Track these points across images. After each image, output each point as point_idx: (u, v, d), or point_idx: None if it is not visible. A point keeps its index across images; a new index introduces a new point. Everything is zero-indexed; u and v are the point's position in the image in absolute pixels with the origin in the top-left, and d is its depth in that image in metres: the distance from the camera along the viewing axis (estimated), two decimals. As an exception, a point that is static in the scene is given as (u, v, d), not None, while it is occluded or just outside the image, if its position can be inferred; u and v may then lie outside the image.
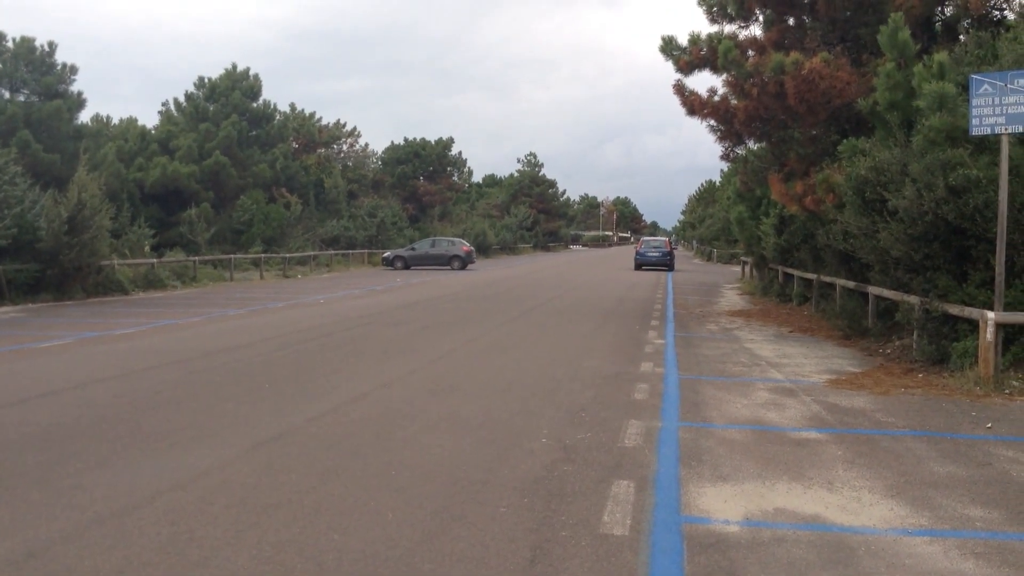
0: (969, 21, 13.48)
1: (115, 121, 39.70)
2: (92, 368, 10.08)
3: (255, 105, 41.69)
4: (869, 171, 11.51)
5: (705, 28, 21.81)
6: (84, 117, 32.02)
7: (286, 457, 6.07)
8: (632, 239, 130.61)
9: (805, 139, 15.60)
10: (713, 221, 56.89)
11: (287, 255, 35.74)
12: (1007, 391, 8.68)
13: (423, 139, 68.09)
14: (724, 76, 15.13)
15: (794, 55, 13.43)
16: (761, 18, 15.96)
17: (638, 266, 41.29)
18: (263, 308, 18.50)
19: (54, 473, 5.62)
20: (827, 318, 15.24)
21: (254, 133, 41.42)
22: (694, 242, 78.48)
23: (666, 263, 41.48)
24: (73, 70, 29.66)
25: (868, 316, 13.19)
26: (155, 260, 25.75)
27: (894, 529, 4.76)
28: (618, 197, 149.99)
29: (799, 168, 15.39)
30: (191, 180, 36.20)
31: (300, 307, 18.83)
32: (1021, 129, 9.02)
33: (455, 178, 71.60)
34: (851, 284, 14.35)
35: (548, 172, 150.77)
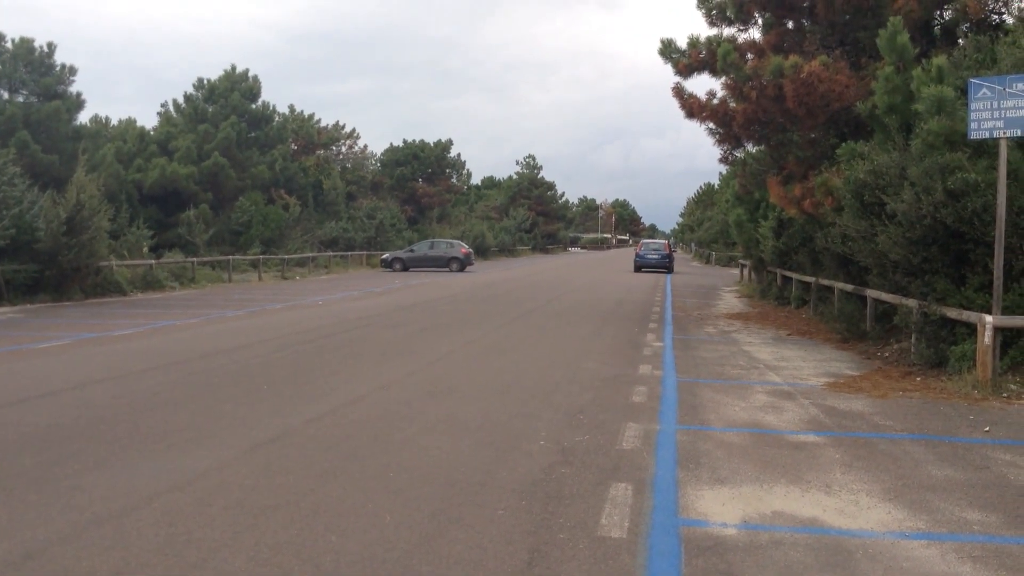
0: (968, 25, 13.51)
1: (114, 122, 39.73)
2: (90, 369, 10.08)
3: (254, 106, 41.69)
4: (868, 174, 11.53)
5: (704, 31, 21.90)
6: (83, 118, 32.13)
7: (284, 459, 6.07)
8: (631, 241, 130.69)
9: (804, 142, 15.62)
10: (712, 224, 56.92)
11: (286, 256, 35.73)
12: (1005, 395, 8.69)
13: (422, 141, 68.13)
14: (723, 79, 15.15)
15: (793, 58, 13.45)
16: (760, 21, 15.98)
17: (637, 268, 41.52)
18: (261, 309, 18.50)
19: (52, 474, 5.62)
20: (825, 321, 15.24)
21: (253, 134, 41.41)
22: (692, 245, 78.51)
23: (665, 265, 41.73)
24: (72, 71, 29.71)
25: (866, 319, 13.20)
26: (153, 261, 25.73)
27: (892, 532, 4.76)
28: (617, 199, 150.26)
29: (798, 171, 15.41)
30: (190, 181, 36.19)
31: (298, 308, 18.83)
32: (1019, 133, 9.03)
33: (454, 180, 71.61)
34: (849, 287, 14.36)
35: (547, 174, 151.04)
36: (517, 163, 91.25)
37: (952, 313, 9.87)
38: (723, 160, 18.20)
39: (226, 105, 40.18)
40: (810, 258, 18.08)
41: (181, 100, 40.94)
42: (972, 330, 9.45)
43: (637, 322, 16.54)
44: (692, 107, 15.55)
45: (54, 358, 10.98)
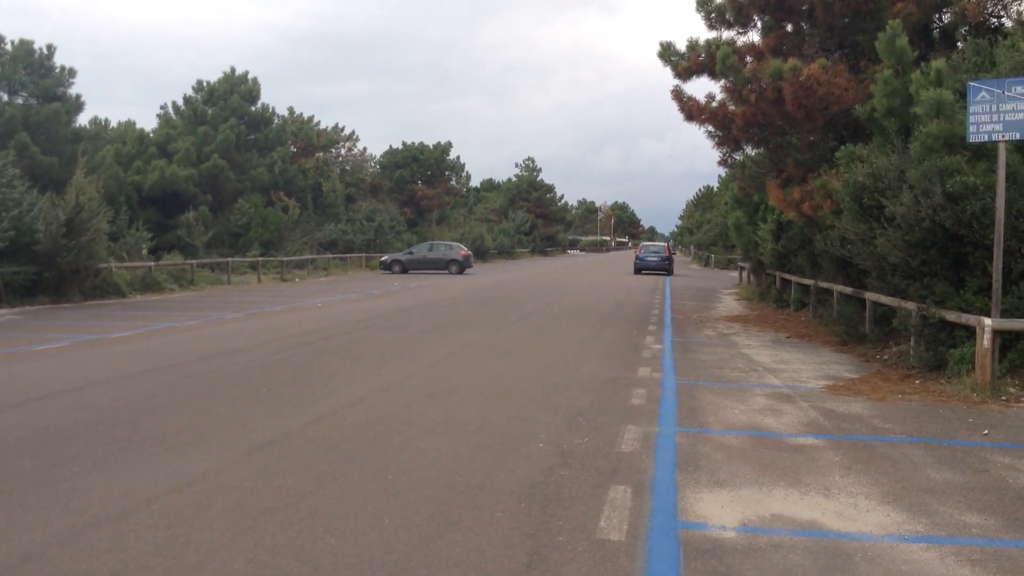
0: (967, 28, 13.53)
1: (113, 124, 39.69)
2: (89, 371, 10.07)
3: (253, 109, 41.69)
4: (867, 177, 11.53)
5: (704, 34, 21.90)
6: (82, 120, 32.09)
7: (283, 461, 6.07)
8: (630, 244, 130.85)
9: (803, 145, 15.63)
10: (711, 226, 56.95)
11: (285, 259, 35.73)
12: (1004, 397, 8.69)
13: (421, 143, 68.19)
14: (722, 82, 15.16)
15: (792, 61, 13.46)
16: (759, 24, 15.99)
17: (638, 270, 41.97)
18: (260, 312, 18.49)
19: (50, 476, 5.61)
20: (824, 324, 15.25)
21: (252, 137, 41.40)
22: (692, 247, 78.54)
23: (665, 267, 42.25)
24: (72, 73, 29.71)
25: (865, 322, 13.21)
26: (153, 263, 25.72)
27: (891, 535, 4.76)
28: (616, 202, 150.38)
29: (797, 174, 15.42)
30: (189, 183, 36.18)
31: (297, 311, 18.82)
32: (1018, 136, 9.04)
33: (453, 182, 71.66)
34: (848, 290, 14.37)
35: (546, 177, 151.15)
36: (516, 165, 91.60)
37: (951, 316, 9.87)
38: (722, 163, 18.23)
39: (225, 107, 40.19)
40: (809, 261, 18.09)
41: (180, 102, 40.97)
42: (971, 333, 9.46)
43: (636, 325, 16.54)
44: (691, 110, 15.57)
45: (53, 360, 10.97)
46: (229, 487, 5.42)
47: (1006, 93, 9.00)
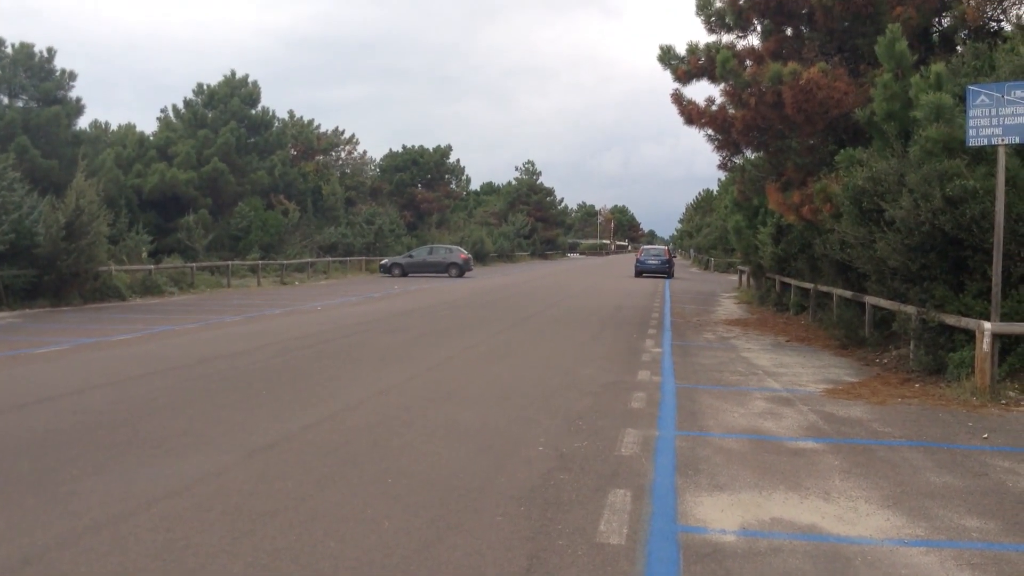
0: (966, 32, 13.55)
1: (113, 127, 39.68)
2: (89, 374, 10.07)
3: (254, 112, 41.74)
4: (866, 181, 11.54)
5: (703, 38, 21.93)
6: (82, 123, 32.05)
7: (282, 464, 6.07)
8: (629, 248, 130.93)
9: (803, 149, 15.64)
10: (711, 230, 56.97)
11: (285, 262, 35.73)
12: (1003, 401, 8.69)
13: (421, 147, 68.22)
14: (722, 86, 15.18)
15: (792, 65, 13.47)
16: (759, 28, 16.01)
17: (638, 273, 42.42)
18: (260, 315, 18.49)
19: (50, 479, 5.61)
20: (824, 327, 15.25)
21: (252, 140, 41.44)
22: (691, 251, 78.57)
23: (665, 270, 42.78)
24: (72, 76, 29.74)
25: (865, 326, 13.21)
26: (152, 266, 25.73)
27: (890, 539, 4.76)
28: (616, 205, 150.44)
29: (796, 178, 15.42)
30: (189, 186, 36.21)
31: (297, 314, 18.82)
32: (1018, 140, 9.04)
33: (453, 186, 71.69)
34: (848, 294, 14.37)
35: (546, 180, 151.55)
36: (516, 169, 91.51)
37: (951, 320, 9.88)
38: (722, 166, 18.23)
39: (226, 110, 40.22)
40: (809, 264, 18.09)
41: (181, 105, 41.03)
42: (970, 337, 9.46)
43: (636, 328, 16.54)
44: (691, 113, 15.58)
45: (52, 363, 10.97)
46: (229, 490, 5.41)
47: (1005, 97, 9.01)
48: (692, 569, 4.26)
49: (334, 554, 4.36)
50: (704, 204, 72.82)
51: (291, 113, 53.29)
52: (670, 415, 8.09)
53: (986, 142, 9.20)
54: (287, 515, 4.95)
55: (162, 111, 41.63)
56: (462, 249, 43.31)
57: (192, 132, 38.97)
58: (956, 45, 13.75)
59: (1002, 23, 13.29)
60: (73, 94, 29.79)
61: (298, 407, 8.13)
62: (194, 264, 28.94)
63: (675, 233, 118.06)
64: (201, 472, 5.82)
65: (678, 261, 66.23)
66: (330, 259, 41.05)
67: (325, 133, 56.78)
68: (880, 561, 4.42)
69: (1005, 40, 11.67)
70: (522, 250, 75.88)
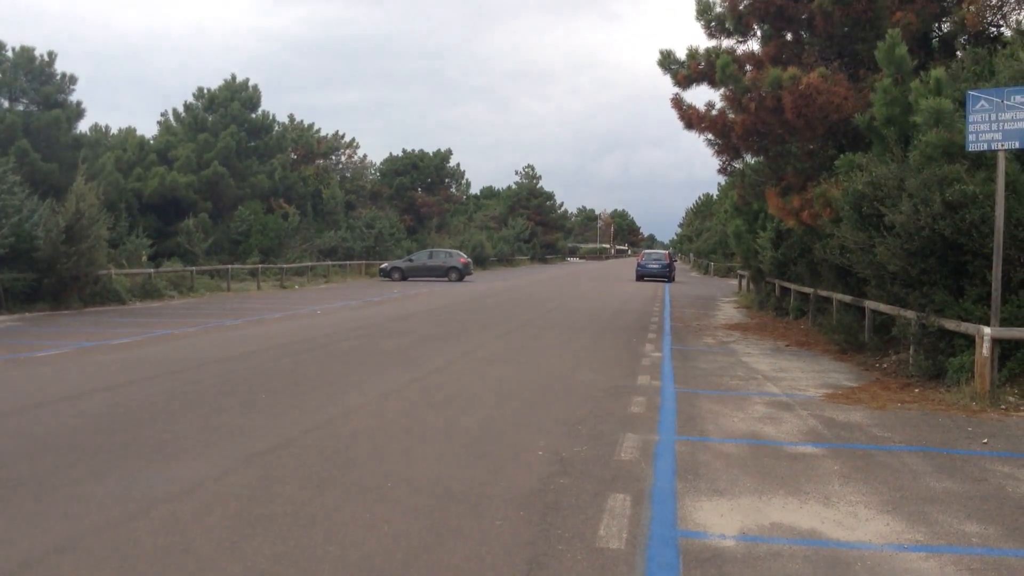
0: (966, 37, 13.56)
1: (114, 131, 39.68)
2: (88, 378, 10.06)
3: (254, 116, 41.76)
4: (866, 186, 11.55)
5: (703, 43, 21.89)
6: (83, 127, 32.07)
7: (282, 468, 6.06)
8: (629, 252, 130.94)
9: (802, 153, 15.66)
10: (710, 234, 57.01)
11: (284, 266, 35.75)
12: (1003, 406, 8.69)
13: (421, 150, 68.30)
14: (722, 90, 15.19)
15: (792, 70, 13.49)
16: (759, 33, 16.03)
17: (640, 277, 43.06)
18: (260, 319, 18.49)
19: (50, 483, 5.61)
20: (824, 332, 15.24)
21: (252, 144, 41.45)
22: (691, 255, 78.57)
23: (666, 274, 43.41)
24: (72, 80, 29.72)
25: (865, 330, 13.20)
26: (152, 270, 25.74)
27: (890, 544, 4.75)
28: (616, 210, 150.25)
29: (796, 182, 15.44)
30: (189, 190, 36.23)
31: (297, 318, 18.82)
32: (1018, 145, 9.05)
33: (453, 190, 71.76)
34: (848, 298, 14.37)
35: (546, 184, 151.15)
36: (516, 173, 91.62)
37: (950, 324, 9.88)
38: (722, 171, 18.24)
39: (226, 114, 40.25)
40: (808, 269, 18.09)
41: (181, 109, 41.06)
42: (970, 342, 9.46)
43: (636, 332, 16.54)
44: (691, 118, 15.59)
45: (52, 367, 10.97)
46: (228, 495, 5.41)
47: (1005, 102, 9.02)
48: (692, 574, 4.26)
49: (334, 558, 4.36)
50: (704, 208, 72.84)
51: (291, 117, 53.41)
52: (670, 420, 8.09)
53: (986, 147, 9.21)
54: (287, 519, 4.94)
55: (162, 115, 41.78)
56: (462, 253, 43.35)
57: (192, 136, 39.01)
58: (956, 50, 13.77)
59: (1002, 28, 13.32)
60: (73, 98, 29.79)
61: (297, 411, 8.12)
62: (194, 268, 28.95)
63: (675, 237, 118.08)
64: (201, 476, 5.81)
65: (678, 265, 66.22)
66: (330, 263, 41.07)
67: (325, 137, 56.85)
68: (880, 566, 4.42)
69: (1005, 45, 11.69)
70: (522, 254, 75.92)
